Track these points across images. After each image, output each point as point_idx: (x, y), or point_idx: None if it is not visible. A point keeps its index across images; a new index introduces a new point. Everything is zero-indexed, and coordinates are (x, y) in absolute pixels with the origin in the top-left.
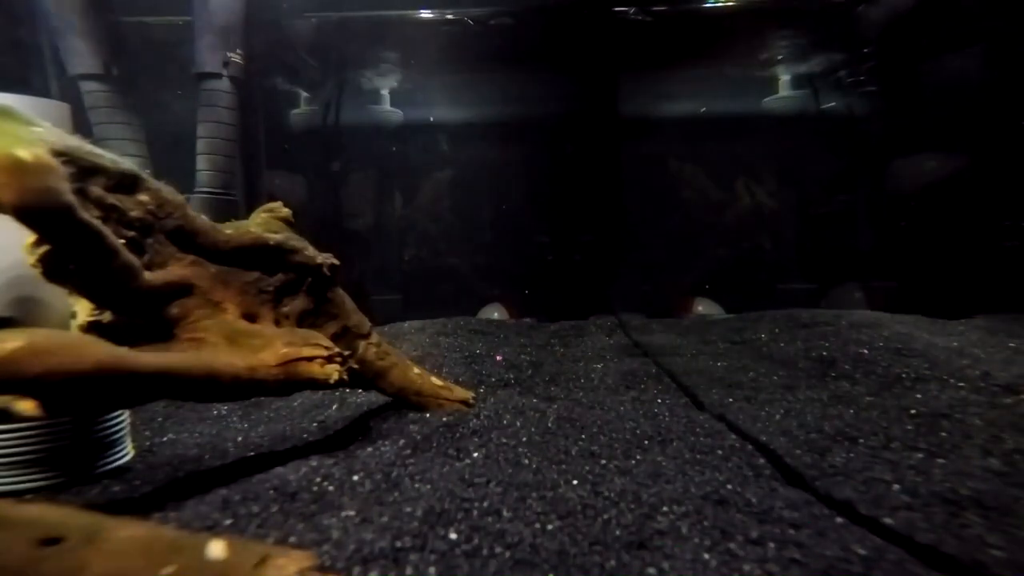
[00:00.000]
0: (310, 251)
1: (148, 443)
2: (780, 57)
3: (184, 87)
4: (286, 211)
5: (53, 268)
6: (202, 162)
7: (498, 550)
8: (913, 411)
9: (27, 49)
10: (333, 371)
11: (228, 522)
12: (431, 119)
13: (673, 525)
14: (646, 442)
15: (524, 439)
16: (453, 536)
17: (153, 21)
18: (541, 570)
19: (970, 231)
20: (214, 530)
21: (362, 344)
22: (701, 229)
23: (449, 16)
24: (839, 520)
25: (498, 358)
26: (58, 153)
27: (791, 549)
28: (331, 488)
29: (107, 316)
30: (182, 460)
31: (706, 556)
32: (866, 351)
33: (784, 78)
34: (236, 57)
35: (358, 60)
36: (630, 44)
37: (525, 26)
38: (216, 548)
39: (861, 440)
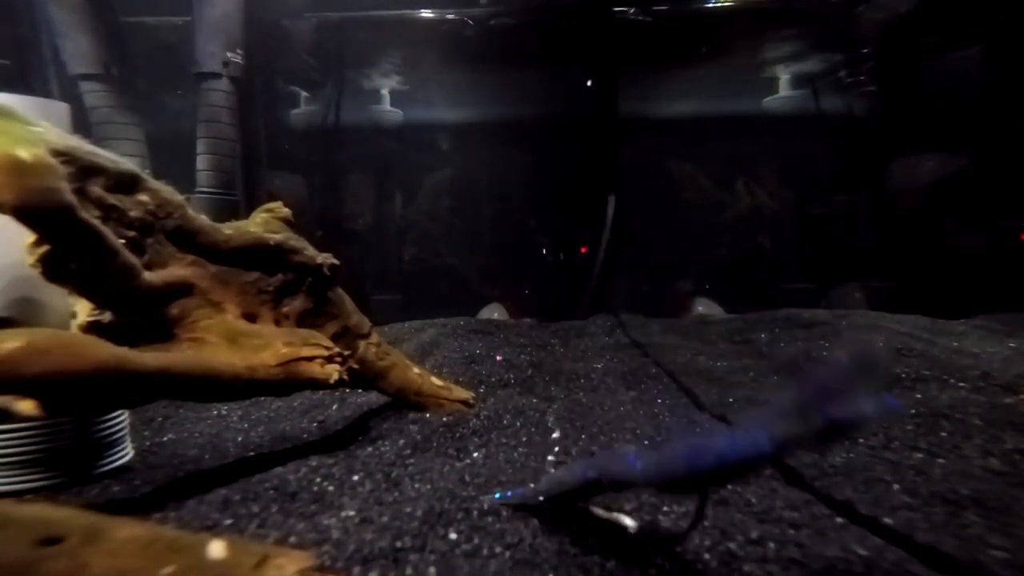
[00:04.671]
0: (310, 251)
1: (148, 443)
2: (780, 57)
3: (184, 87)
4: (286, 211)
5: (53, 268)
6: (202, 162)
7: (498, 550)
8: (913, 411)
9: (27, 49)
10: (333, 371)
11: (228, 522)
12: (431, 119)
13: (674, 525)
14: (646, 442)
15: (524, 439)
16: (453, 536)
17: (153, 21)
18: (541, 570)
19: (970, 231)
20: (214, 530)
21: (362, 344)
22: (701, 229)
23: (449, 16)
24: (839, 520)
25: (498, 358)
26: (58, 153)
27: (791, 549)
28: (331, 488)
29: (107, 316)
30: (182, 460)
31: (706, 556)
32: None
33: (784, 78)
34: (236, 57)
35: (358, 60)
36: (630, 44)
37: (525, 26)
38: (216, 548)
39: (861, 440)
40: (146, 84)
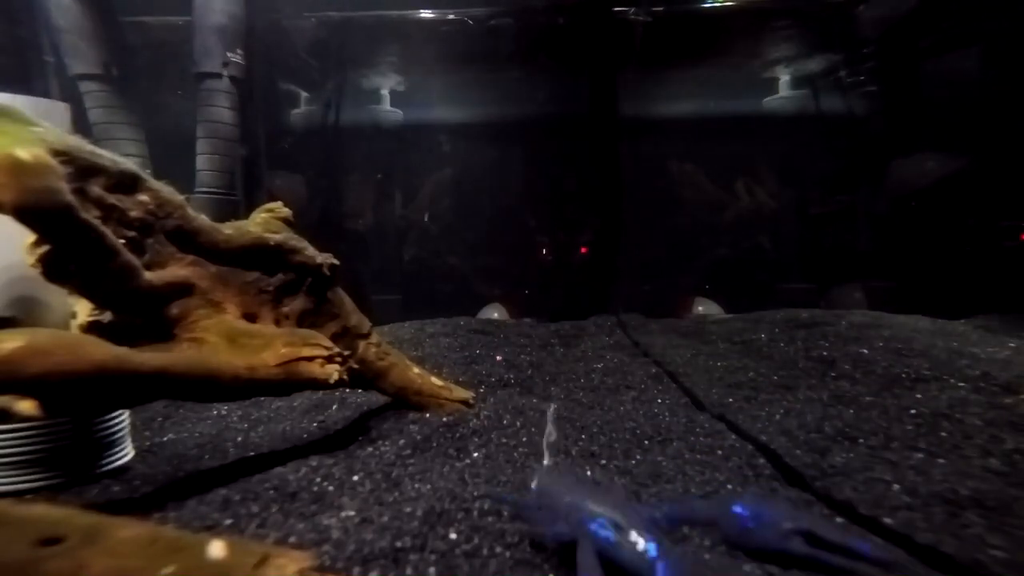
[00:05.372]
0: (310, 251)
1: (148, 443)
2: (780, 57)
3: (184, 87)
4: (286, 211)
5: (53, 268)
6: (202, 162)
7: (498, 550)
8: (913, 411)
9: (27, 49)
10: (333, 371)
11: (228, 522)
12: (432, 119)
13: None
14: (646, 442)
15: (524, 439)
16: (453, 536)
17: (153, 21)
18: (541, 570)
19: (970, 231)
20: (214, 530)
21: (362, 344)
22: (701, 229)
23: (450, 16)
24: (839, 520)
25: (498, 358)
26: (58, 153)
27: None
28: (331, 488)
29: (107, 316)
30: (182, 460)
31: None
32: (866, 351)
33: (784, 78)
34: (236, 57)
35: (358, 60)
36: (630, 44)
37: (525, 26)
38: (216, 548)
39: (861, 440)
40: (146, 84)
